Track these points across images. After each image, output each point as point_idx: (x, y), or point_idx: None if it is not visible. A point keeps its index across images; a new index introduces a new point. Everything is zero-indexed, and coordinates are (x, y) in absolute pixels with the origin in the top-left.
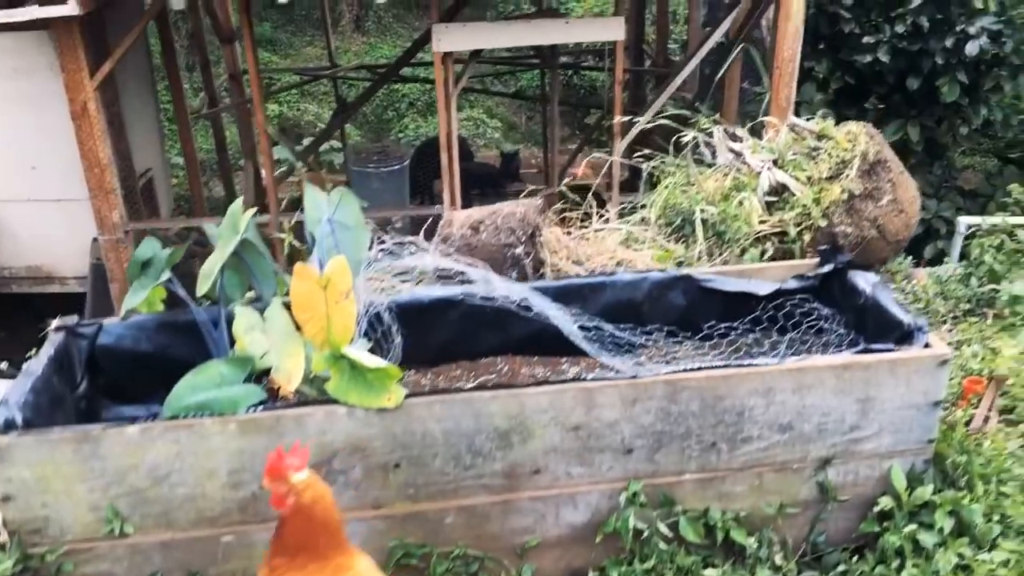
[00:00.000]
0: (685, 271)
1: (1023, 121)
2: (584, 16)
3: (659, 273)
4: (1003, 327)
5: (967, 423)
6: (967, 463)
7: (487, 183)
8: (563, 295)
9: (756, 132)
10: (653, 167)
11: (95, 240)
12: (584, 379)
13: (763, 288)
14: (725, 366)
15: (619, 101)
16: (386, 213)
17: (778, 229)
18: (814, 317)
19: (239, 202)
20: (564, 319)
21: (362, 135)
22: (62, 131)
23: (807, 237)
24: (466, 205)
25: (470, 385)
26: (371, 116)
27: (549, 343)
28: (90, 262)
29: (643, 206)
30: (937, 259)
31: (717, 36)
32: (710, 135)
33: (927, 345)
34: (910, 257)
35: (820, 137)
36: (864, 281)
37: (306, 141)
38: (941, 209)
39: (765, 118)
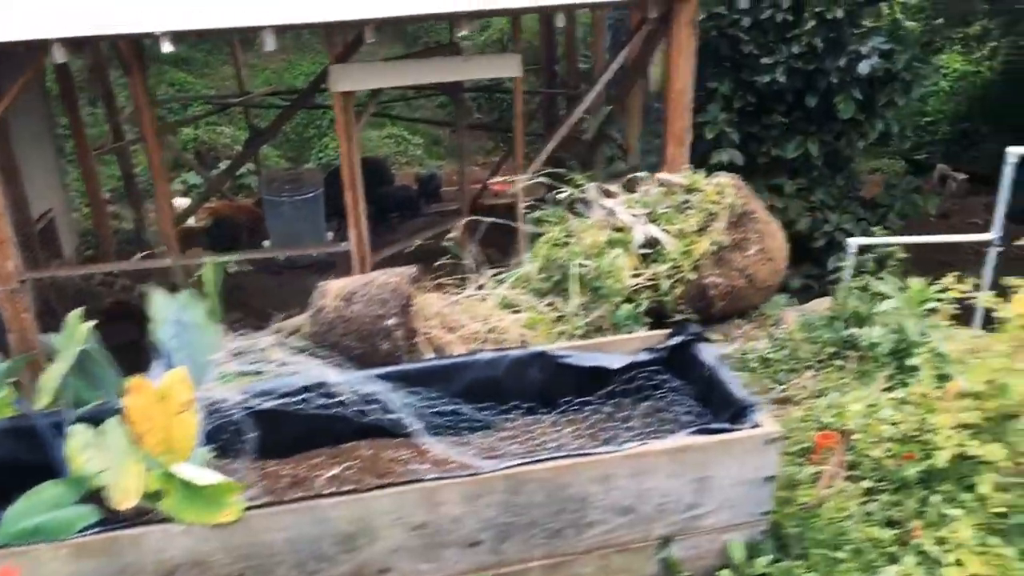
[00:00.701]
0: (541, 348)
1: (922, 130)
2: (503, 31)
3: (518, 351)
4: (862, 373)
5: (815, 481)
6: (803, 531)
7: (406, 206)
8: (426, 377)
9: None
10: (537, 218)
11: None
12: (425, 479)
13: (616, 362)
14: (566, 456)
15: (520, 138)
16: (292, 251)
17: (652, 282)
18: (664, 389)
19: (77, 313)
20: (406, 412)
21: (282, 155)
22: None
23: (679, 290)
24: (385, 229)
25: (331, 473)
26: (292, 135)
27: None
28: None
29: (525, 260)
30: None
31: (615, 65)
32: (585, 191)
33: (758, 424)
34: (786, 297)
35: (690, 190)
36: (708, 354)
37: (223, 165)
38: (843, 221)
39: (639, 174)
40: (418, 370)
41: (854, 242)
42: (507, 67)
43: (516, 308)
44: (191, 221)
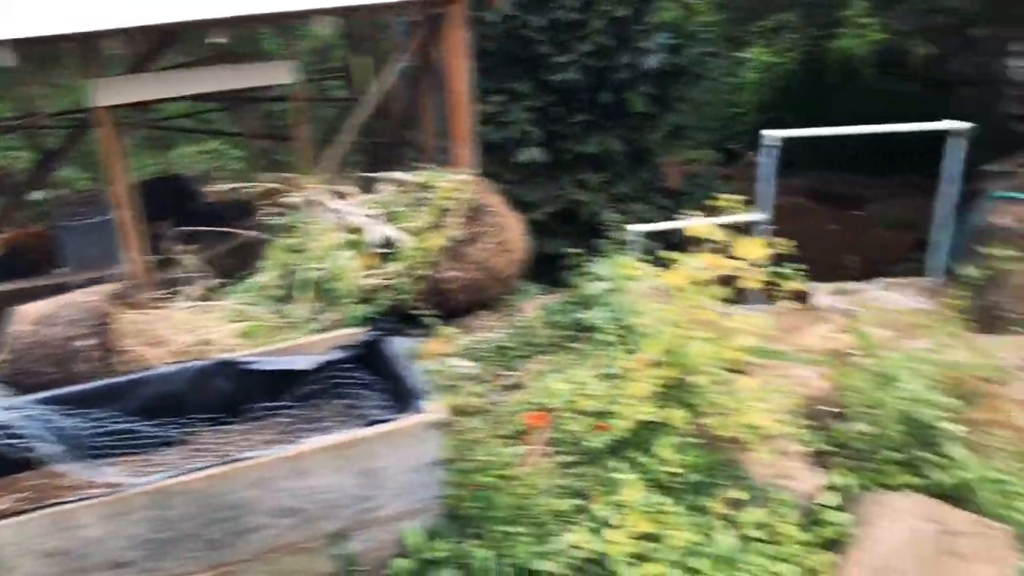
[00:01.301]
0: (226, 356)
1: (733, 120)
2: (324, 37)
3: (202, 361)
4: (584, 355)
5: (521, 461)
6: (485, 510)
7: (216, 222)
8: (95, 398)
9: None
10: (280, 224)
11: None
12: (59, 502)
13: (306, 363)
14: (218, 464)
15: (303, 146)
16: (83, 275)
17: (391, 281)
18: (358, 386)
19: None
20: (43, 438)
21: (92, 177)
22: None
23: (417, 287)
24: (195, 247)
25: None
26: (99, 155)
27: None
28: None
29: (260, 269)
30: None
31: (395, 67)
32: (318, 194)
33: (422, 412)
34: (534, 287)
35: (425, 187)
36: (395, 348)
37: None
38: (645, 212)
39: (375, 175)
40: (85, 391)
41: (632, 228)
42: (280, 74)
43: (241, 318)
44: None
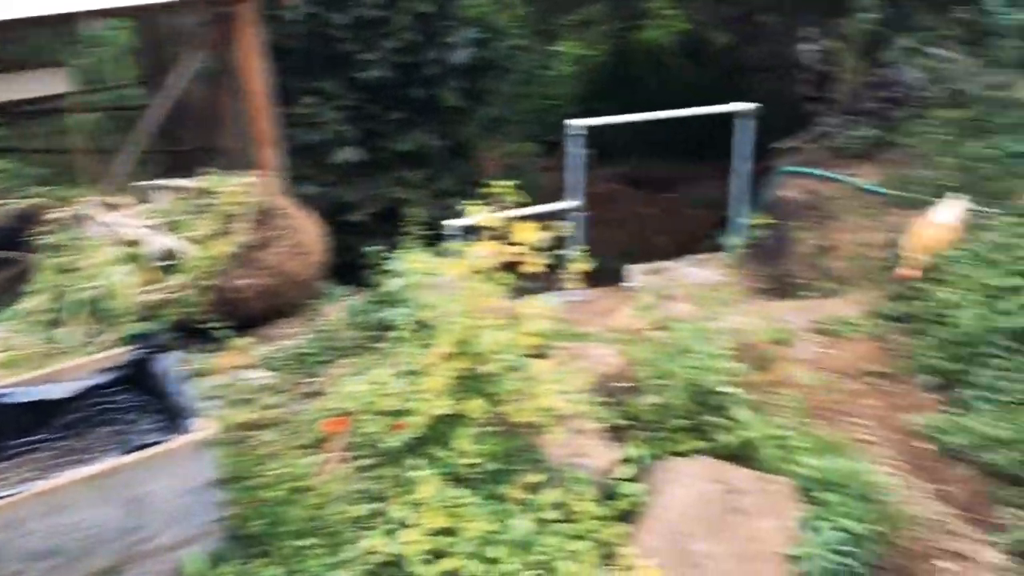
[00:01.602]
0: None
1: (549, 112)
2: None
3: None
4: (386, 354)
5: (319, 470)
6: (271, 527)
7: (4, 245)
8: None
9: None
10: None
11: None
12: None
13: (66, 390)
14: None
15: (83, 159)
16: None
17: (175, 294)
18: (128, 409)
19: None
20: None
21: None
22: None
23: (204, 298)
24: None
25: None
26: None
27: None
28: None
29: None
30: None
31: (188, 70)
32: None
33: (193, 431)
34: (341, 289)
35: (208, 193)
36: (166, 365)
37: None
38: (462, 204)
39: (150, 183)
40: None
41: (447, 223)
42: (53, 83)
43: (1, 349)
44: None
